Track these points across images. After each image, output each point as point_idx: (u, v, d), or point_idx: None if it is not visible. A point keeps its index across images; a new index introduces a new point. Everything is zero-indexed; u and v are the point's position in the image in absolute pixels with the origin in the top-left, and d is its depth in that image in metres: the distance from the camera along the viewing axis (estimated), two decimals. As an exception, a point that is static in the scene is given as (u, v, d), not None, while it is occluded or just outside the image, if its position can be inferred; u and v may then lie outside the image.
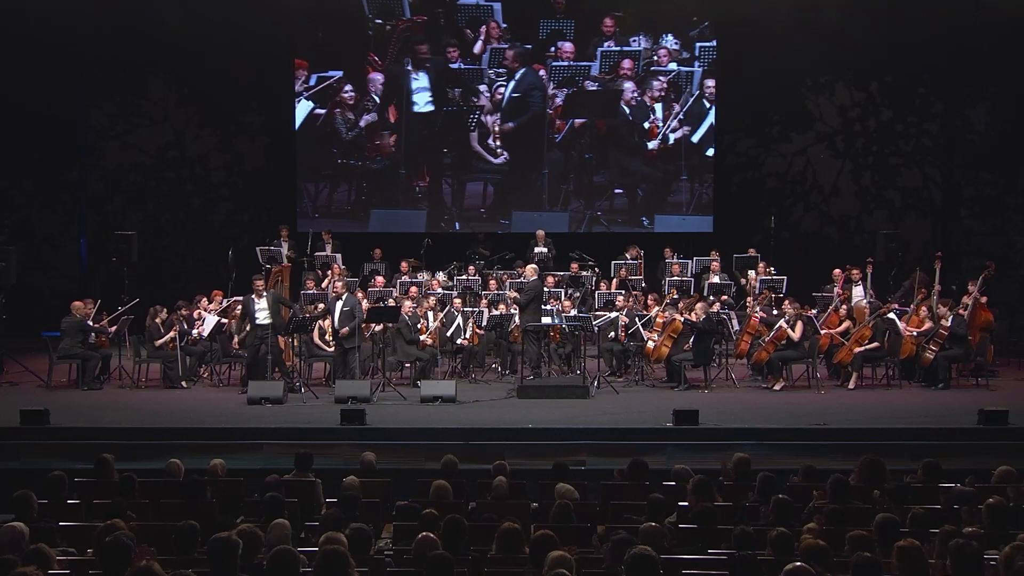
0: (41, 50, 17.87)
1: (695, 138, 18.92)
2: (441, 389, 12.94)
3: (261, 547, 5.99)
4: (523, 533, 6.72)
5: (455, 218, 19.14)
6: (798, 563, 5.53)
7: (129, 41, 18.30)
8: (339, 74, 18.86)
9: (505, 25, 18.78)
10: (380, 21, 18.75)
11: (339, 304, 13.83)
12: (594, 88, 18.83)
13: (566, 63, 18.78)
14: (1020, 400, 12.55)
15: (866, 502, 7.91)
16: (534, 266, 14.89)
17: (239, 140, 19.33)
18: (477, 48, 18.71)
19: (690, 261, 16.88)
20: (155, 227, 19.18)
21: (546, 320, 13.89)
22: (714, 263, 16.37)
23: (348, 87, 18.82)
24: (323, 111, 18.88)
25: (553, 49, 18.80)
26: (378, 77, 18.84)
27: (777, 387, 13.68)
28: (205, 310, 14.50)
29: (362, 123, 18.94)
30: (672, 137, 18.91)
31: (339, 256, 17.02)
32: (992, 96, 19.10)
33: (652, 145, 18.95)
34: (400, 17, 18.72)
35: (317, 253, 17.05)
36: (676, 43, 18.81)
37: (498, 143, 18.92)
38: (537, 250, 17.17)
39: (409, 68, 18.76)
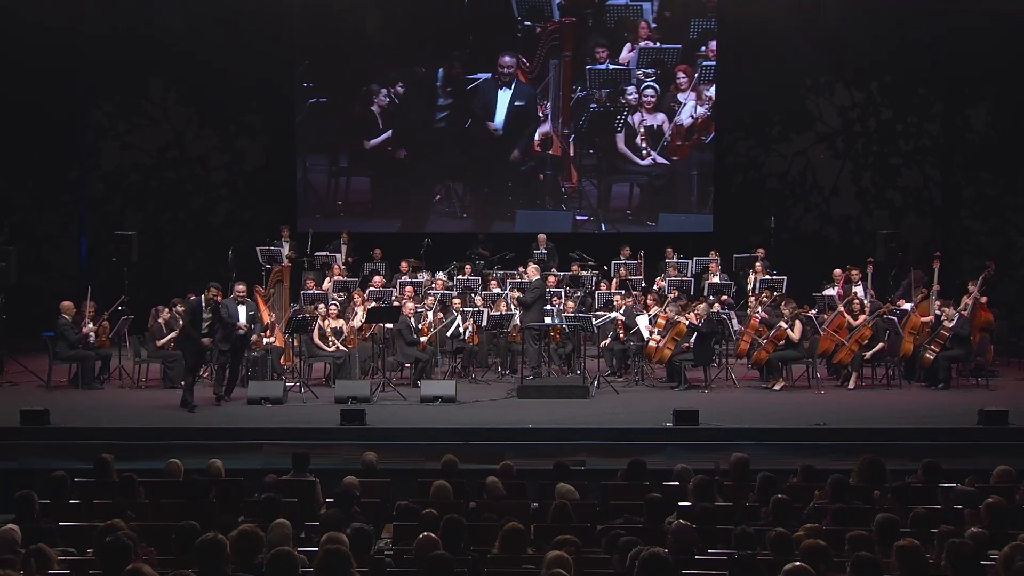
0: (41, 50, 17.84)
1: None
2: (441, 389, 12.94)
3: (262, 547, 5.98)
4: (527, 533, 6.73)
5: (600, 219, 19.03)
6: (798, 563, 5.53)
7: (129, 41, 18.27)
8: (488, 76, 18.73)
9: (655, 25, 18.69)
10: (529, 23, 18.64)
11: (243, 308, 13.27)
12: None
13: (715, 62, 18.64)
14: (1020, 400, 12.55)
15: (866, 502, 7.91)
16: (535, 265, 14.89)
17: (239, 140, 19.33)
18: (624, 55, 18.57)
19: (690, 261, 16.88)
20: (155, 227, 19.16)
21: (546, 320, 13.89)
22: (713, 263, 16.37)
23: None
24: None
25: (703, 48, 18.67)
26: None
27: (777, 387, 13.68)
28: None
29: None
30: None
31: (338, 256, 17.02)
32: (992, 96, 19.08)
33: None
34: (549, 19, 18.64)
35: (336, 253, 17.05)
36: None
37: (645, 144, 18.82)
38: (536, 252, 17.14)
39: (555, 64, 18.64)
